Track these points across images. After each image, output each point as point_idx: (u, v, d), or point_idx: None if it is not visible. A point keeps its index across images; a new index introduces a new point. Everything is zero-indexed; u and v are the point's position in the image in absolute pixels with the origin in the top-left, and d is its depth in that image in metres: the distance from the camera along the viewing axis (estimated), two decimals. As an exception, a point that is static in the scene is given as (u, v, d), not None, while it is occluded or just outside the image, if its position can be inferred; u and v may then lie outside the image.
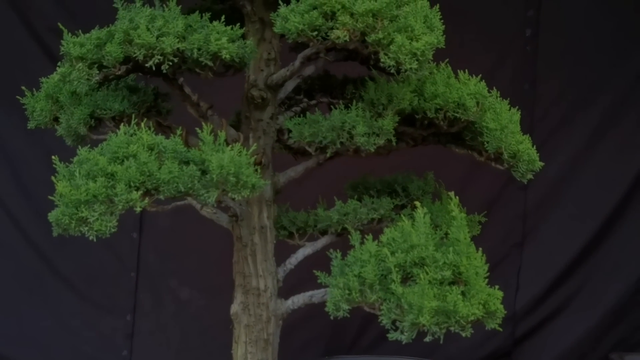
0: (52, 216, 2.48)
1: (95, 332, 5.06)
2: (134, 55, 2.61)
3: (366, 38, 2.58)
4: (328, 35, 2.58)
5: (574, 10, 4.99)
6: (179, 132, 2.65)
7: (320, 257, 3.13)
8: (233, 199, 2.74)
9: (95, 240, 2.47)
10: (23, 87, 2.98)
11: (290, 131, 2.92)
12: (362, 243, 2.69)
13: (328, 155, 2.89)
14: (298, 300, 3.02)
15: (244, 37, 2.78)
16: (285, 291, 3.09)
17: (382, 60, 2.58)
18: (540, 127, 4.91)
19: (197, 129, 2.63)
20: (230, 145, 2.58)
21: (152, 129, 2.63)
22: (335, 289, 2.64)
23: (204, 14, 2.72)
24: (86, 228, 2.45)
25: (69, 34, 2.66)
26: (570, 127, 5.01)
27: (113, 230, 2.46)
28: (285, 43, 3.04)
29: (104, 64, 2.63)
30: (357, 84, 3.10)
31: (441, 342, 2.51)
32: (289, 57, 3.11)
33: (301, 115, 2.96)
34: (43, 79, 2.95)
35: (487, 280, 2.57)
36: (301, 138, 2.83)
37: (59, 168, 2.51)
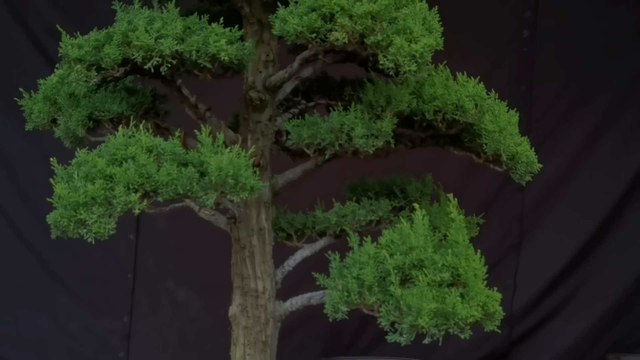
0: (50, 218, 2.47)
1: (92, 333, 5.06)
2: (133, 57, 2.60)
3: (365, 40, 2.58)
4: (327, 37, 2.58)
5: (571, 12, 5.00)
6: (177, 133, 2.65)
7: (318, 259, 3.13)
8: (231, 201, 2.74)
9: (93, 242, 2.47)
10: (21, 89, 2.97)
11: (288, 133, 2.91)
12: (360, 245, 2.69)
13: (326, 157, 2.88)
14: (296, 302, 3.02)
15: (242, 39, 2.77)
16: (282, 292, 3.09)
17: (380, 62, 2.58)
18: (537, 129, 4.91)
19: (195, 131, 2.63)
20: (228, 147, 2.58)
21: (151, 130, 2.62)
22: (334, 291, 2.64)
23: (202, 16, 2.71)
24: (84, 230, 2.44)
25: (67, 35, 2.65)
26: (567, 128, 5.02)
27: (112, 232, 2.45)
28: (283, 45, 3.04)
29: (103, 65, 2.63)
30: (356, 85, 3.10)
31: (440, 344, 2.52)
32: (287, 58, 3.11)
33: (299, 117, 2.95)
34: (41, 81, 2.94)
35: (485, 282, 2.58)
36: (300, 140, 2.83)
37: (57, 170, 2.51)
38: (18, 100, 2.98)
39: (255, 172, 2.63)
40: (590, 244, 5.04)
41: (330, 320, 2.68)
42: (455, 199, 2.69)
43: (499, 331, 2.62)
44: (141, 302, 5.11)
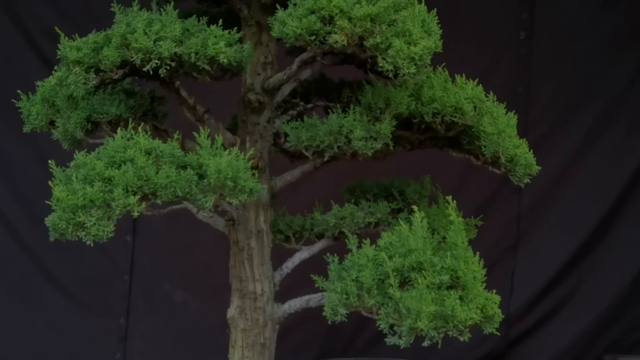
0: (49, 221, 2.47)
1: (89, 335, 5.04)
2: (131, 60, 2.60)
3: (364, 42, 2.58)
4: (326, 40, 2.58)
5: (568, 14, 5.00)
6: (176, 136, 2.64)
7: (315, 261, 3.13)
8: (230, 204, 2.74)
9: (92, 245, 2.46)
10: (19, 91, 2.96)
11: (286, 135, 2.91)
12: (359, 247, 2.69)
13: (325, 159, 2.88)
14: (295, 304, 3.01)
15: (240, 41, 2.77)
16: (280, 294, 3.09)
17: (380, 64, 2.58)
18: (534, 130, 4.91)
19: (194, 133, 2.62)
20: (227, 150, 2.58)
21: (149, 133, 2.62)
22: (333, 293, 2.64)
23: (201, 18, 2.71)
24: (83, 233, 2.44)
25: (66, 37, 2.65)
26: (564, 130, 5.02)
27: (110, 235, 2.45)
28: (281, 46, 3.04)
29: (101, 68, 2.62)
30: (354, 87, 3.10)
31: (439, 346, 2.52)
32: (286, 60, 3.11)
33: (297, 119, 2.95)
34: (38, 83, 2.93)
35: (484, 284, 2.58)
36: (298, 142, 2.83)
37: (56, 172, 2.50)
38: (15, 102, 2.98)
39: (254, 174, 2.63)
40: (587, 246, 5.04)
41: (330, 323, 2.67)
42: (454, 201, 2.69)
43: (498, 334, 2.62)
44: (138, 304, 5.10)
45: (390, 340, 2.54)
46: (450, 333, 2.50)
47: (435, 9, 2.70)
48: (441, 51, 2.63)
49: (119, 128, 2.61)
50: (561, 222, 5.04)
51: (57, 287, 5.03)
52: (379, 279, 2.59)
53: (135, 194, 2.45)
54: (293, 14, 2.59)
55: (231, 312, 3.01)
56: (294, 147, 2.92)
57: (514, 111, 2.95)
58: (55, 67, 2.75)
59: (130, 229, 5.04)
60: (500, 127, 2.85)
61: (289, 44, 2.64)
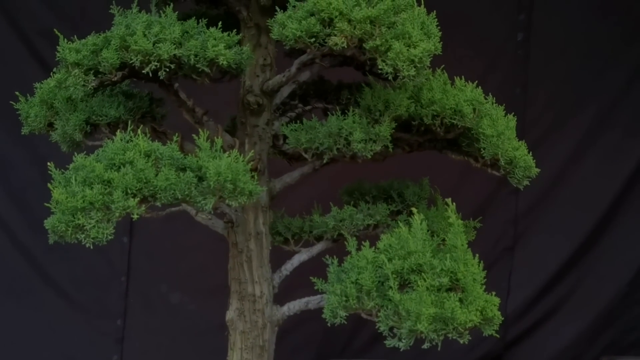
0: (48, 223, 2.46)
1: (86, 336, 5.04)
2: (131, 62, 2.59)
3: (364, 45, 2.57)
4: (325, 42, 2.57)
5: (565, 15, 5.01)
6: (175, 138, 2.64)
7: (312, 263, 3.13)
8: (229, 206, 2.73)
9: (92, 247, 2.46)
10: (17, 93, 2.95)
11: (285, 137, 2.91)
12: (358, 249, 2.69)
13: (325, 161, 2.88)
14: (294, 306, 3.01)
15: (240, 43, 2.77)
16: (277, 295, 3.08)
17: (379, 67, 2.58)
18: (532, 132, 4.91)
19: (194, 135, 2.62)
20: (226, 152, 2.57)
21: (148, 135, 2.61)
22: (333, 295, 2.64)
23: (200, 20, 2.71)
24: (83, 235, 2.44)
25: (65, 39, 2.64)
26: (561, 131, 5.02)
27: (110, 237, 2.44)
28: (280, 48, 3.04)
29: (100, 70, 2.62)
30: (353, 89, 3.10)
31: (439, 349, 2.52)
32: (284, 62, 3.10)
33: (296, 121, 2.95)
34: (37, 85, 2.92)
35: (484, 286, 2.58)
36: (298, 144, 2.83)
37: (55, 175, 2.49)
38: (14, 104, 2.97)
39: (253, 176, 2.62)
40: (584, 247, 5.05)
41: (330, 325, 2.67)
42: (454, 204, 2.68)
43: (498, 336, 2.62)
44: (135, 305, 5.09)
45: (390, 342, 2.54)
46: (450, 335, 2.50)
47: (435, 11, 2.70)
48: (440, 53, 2.63)
49: (118, 130, 2.60)
50: (558, 223, 5.05)
51: (53, 288, 5.02)
52: (379, 281, 2.59)
53: (134, 196, 2.45)
54: (292, 16, 2.59)
55: (230, 314, 3.00)
56: (292, 149, 2.92)
57: (513, 113, 2.95)
58: (55, 69, 2.74)
59: (127, 231, 5.03)
60: (499, 130, 2.85)
61: (288, 46, 2.64)
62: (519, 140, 2.95)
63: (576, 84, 5.01)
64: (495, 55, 5.05)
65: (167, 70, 2.61)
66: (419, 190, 3.17)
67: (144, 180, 2.46)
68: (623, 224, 5.04)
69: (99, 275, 5.08)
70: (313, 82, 3.19)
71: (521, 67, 5.03)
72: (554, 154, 4.99)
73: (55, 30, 2.68)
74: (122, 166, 2.48)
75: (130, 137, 2.55)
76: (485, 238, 4.74)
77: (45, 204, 2.47)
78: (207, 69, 2.64)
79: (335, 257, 2.76)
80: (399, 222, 2.88)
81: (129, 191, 2.45)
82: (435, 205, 3.16)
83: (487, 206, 5.02)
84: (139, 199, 2.46)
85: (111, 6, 2.74)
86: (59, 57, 2.62)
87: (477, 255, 2.61)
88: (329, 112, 3.05)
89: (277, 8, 2.68)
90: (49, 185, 2.46)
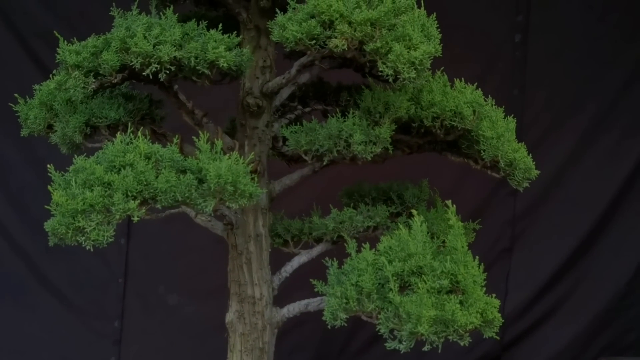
0: (48, 225, 2.45)
1: (83, 338, 5.03)
2: (131, 64, 2.59)
3: (364, 47, 2.57)
4: (326, 44, 2.57)
5: (563, 16, 5.01)
6: (175, 140, 2.63)
7: (310, 265, 3.13)
8: (229, 208, 2.73)
9: (92, 250, 2.45)
10: (16, 95, 2.95)
11: (285, 139, 2.91)
12: (358, 251, 2.69)
13: (325, 163, 2.87)
14: (294, 308, 3.01)
15: (239, 45, 2.76)
16: (276, 297, 3.08)
17: (380, 69, 2.58)
18: (530, 133, 4.92)
19: (194, 137, 2.61)
20: (227, 154, 2.57)
21: (148, 137, 2.61)
22: (333, 297, 2.64)
23: (200, 22, 2.70)
24: (83, 238, 2.43)
25: (65, 41, 2.63)
26: (559, 132, 5.03)
27: (110, 240, 2.44)
28: (279, 50, 3.03)
29: (100, 72, 2.61)
30: (352, 91, 3.10)
31: (439, 351, 2.52)
32: (283, 63, 3.10)
33: (295, 122, 2.95)
34: (36, 86, 2.92)
35: (484, 288, 2.58)
36: (298, 146, 2.83)
37: (55, 177, 2.49)
38: (13, 105, 2.96)
39: (253, 178, 2.62)
40: (582, 248, 5.05)
41: (330, 327, 2.67)
42: (454, 206, 2.68)
43: (498, 338, 2.62)
44: (132, 307, 5.08)
45: (390, 345, 2.53)
46: (450, 338, 2.50)
47: (435, 13, 2.70)
48: (441, 55, 2.63)
49: (118, 132, 2.60)
50: (556, 225, 5.05)
51: (51, 290, 5.01)
52: (379, 284, 2.59)
53: (135, 198, 2.45)
54: (293, 18, 2.59)
55: (230, 316, 3.00)
56: (292, 151, 2.92)
57: (512, 115, 2.96)
58: (54, 71, 2.74)
59: (125, 232, 5.02)
60: (499, 131, 2.85)
61: (288, 48, 2.64)
62: (520, 143, 2.95)
63: (574, 86, 5.02)
64: (493, 56, 5.05)
65: (168, 72, 2.61)
66: (418, 192, 3.17)
67: (145, 183, 2.46)
68: (621, 225, 5.04)
69: (97, 277, 5.07)
70: (312, 84, 3.19)
71: (519, 69, 5.02)
72: (552, 155, 4.99)
73: (55, 32, 2.67)
74: (122, 168, 2.48)
75: (131, 139, 2.54)
76: (483, 239, 4.73)
77: (46, 207, 2.46)
78: (207, 71, 2.64)
79: (335, 259, 2.76)
80: (398, 224, 2.87)
81: (130, 193, 2.44)
82: (434, 207, 3.16)
83: (485, 207, 5.02)
84: (139, 201, 2.46)
85: (111, 8, 2.73)
86: (59, 59, 2.61)
87: (477, 257, 2.61)
88: (328, 114, 3.05)
89: (277, 10, 2.68)
90: (49, 187, 2.45)
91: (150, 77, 2.62)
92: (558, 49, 5.01)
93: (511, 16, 5.03)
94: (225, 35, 2.66)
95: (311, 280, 2.74)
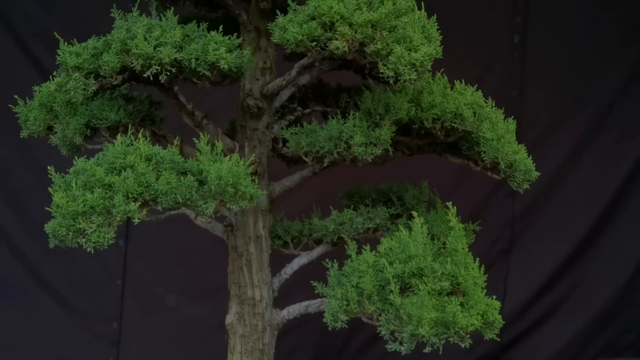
0: (48, 227, 2.45)
1: (82, 339, 5.02)
2: (131, 65, 2.59)
3: (365, 49, 2.57)
4: (327, 46, 2.57)
5: (562, 17, 5.01)
6: (175, 142, 2.63)
7: (312, 266, 3.12)
8: (229, 210, 2.73)
9: (92, 252, 2.45)
10: (16, 96, 2.94)
11: (285, 140, 2.91)
12: (359, 253, 2.68)
13: (325, 164, 2.87)
14: (294, 310, 3.01)
15: (239, 46, 2.76)
16: (276, 298, 3.08)
17: (381, 70, 2.58)
18: (528, 134, 4.92)
19: (194, 139, 2.61)
20: (228, 156, 2.57)
21: (148, 138, 2.61)
22: (333, 299, 2.64)
23: (201, 24, 2.70)
24: (84, 240, 2.43)
25: (65, 43, 2.63)
26: (558, 133, 5.03)
27: (111, 242, 2.44)
28: (279, 51, 3.03)
29: (101, 73, 2.61)
30: (351, 92, 3.10)
31: (440, 353, 2.52)
32: (283, 65, 3.10)
33: (295, 124, 2.95)
34: (36, 88, 2.91)
35: (484, 290, 2.58)
36: (298, 148, 2.82)
37: (55, 179, 2.49)
38: (13, 107, 2.95)
39: (253, 180, 2.62)
40: (580, 249, 5.05)
41: (330, 328, 2.67)
42: (455, 207, 2.68)
43: (499, 339, 2.62)
44: (130, 308, 5.08)
45: (391, 346, 2.53)
46: (451, 339, 2.50)
47: (435, 14, 2.70)
48: (441, 57, 2.63)
49: (119, 134, 2.59)
50: (554, 226, 5.05)
51: (49, 291, 5.01)
52: (380, 285, 2.59)
53: (135, 200, 2.44)
54: (294, 20, 2.58)
55: (230, 318, 3.00)
56: (292, 152, 2.92)
57: (513, 117, 2.96)
58: (55, 73, 2.73)
59: (123, 233, 5.01)
60: (499, 133, 2.85)
61: (289, 50, 2.63)
62: (521, 145, 2.95)
63: (572, 87, 5.02)
64: (491, 57, 5.05)
65: (168, 74, 2.61)
66: (418, 193, 3.17)
67: (145, 184, 2.46)
68: (619, 226, 5.05)
69: (95, 278, 5.06)
70: (312, 85, 3.19)
71: (518, 70, 5.03)
72: (551, 157, 4.99)
73: (55, 34, 2.67)
74: (122, 170, 2.47)
75: (131, 140, 2.54)
76: (481, 240, 4.73)
77: (46, 208, 2.45)
78: (208, 73, 2.64)
79: (335, 260, 2.76)
80: (399, 225, 2.88)
81: (130, 195, 2.44)
82: (434, 208, 3.16)
83: (484, 208, 5.02)
84: (140, 203, 2.45)
85: (112, 10, 2.73)
86: (59, 60, 2.61)
87: (478, 259, 2.61)
88: (328, 115, 3.05)
89: (277, 12, 2.68)
90: (49, 189, 2.45)
91: (151, 78, 2.62)
92: (556, 50, 5.02)
93: (510, 17, 5.03)
94: (226, 37, 2.66)
95: (311, 281, 2.74)
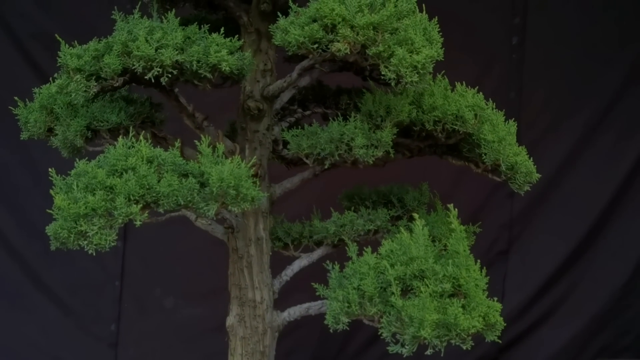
0: (50, 230, 2.45)
1: (80, 341, 5.01)
2: (133, 67, 2.58)
3: (367, 51, 2.57)
4: (328, 48, 2.57)
5: (560, 19, 5.02)
6: (177, 144, 2.63)
7: (312, 268, 3.12)
8: (230, 212, 2.72)
9: (94, 254, 2.44)
10: (16, 98, 2.93)
11: (285, 142, 2.90)
12: (360, 255, 2.68)
13: (326, 166, 2.87)
14: (294, 312, 3.01)
15: (241, 48, 2.76)
16: (276, 300, 3.07)
17: (382, 73, 2.58)
18: (527, 136, 4.92)
19: (195, 141, 2.61)
20: (228, 158, 2.56)
21: (149, 140, 2.60)
22: (335, 301, 2.64)
23: (202, 25, 2.70)
24: (85, 242, 2.42)
25: (66, 45, 2.62)
26: (556, 134, 5.03)
27: (113, 244, 2.43)
28: (279, 53, 3.03)
29: (102, 75, 2.60)
30: (352, 94, 3.10)
31: (442, 355, 2.52)
32: (282, 67, 3.10)
33: (295, 125, 2.94)
34: (36, 90, 2.91)
35: (486, 292, 2.58)
36: (299, 150, 2.82)
37: (56, 181, 2.48)
38: (12, 109, 2.95)
39: (254, 182, 2.62)
40: (579, 251, 5.06)
41: (331, 330, 2.67)
42: (456, 210, 2.68)
43: (500, 341, 2.62)
44: (129, 310, 5.07)
45: (392, 348, 2.53)
46: (453, 341, 2.50)
47: (437, 17, 2.70)
48: (443, 59, 2.63)
49: (120, 136, 2.59)
50: (553, 227, 5.06)
51: (47, 293, 5.00)
52: (381, 287, 2.59)
53: (137, 202, 2.44)
54: (295, 22, 2.58)
55: (230, 320, 2.99)
56: (292, 154, 2.92)
57: (513, 118, 2.96)
58: (55, 74, 2.73)
59: (121, 235, 5.00)
60: (500, 135, 2.85)
61: (291, 52, 2.63)
62: (522, 146, 2.96)
63: (571, 87, 5.02)
64: (490, 58, 5.05)
65: (170, 76, 2.60)
66: (418, 195, 3.17)
67: (147, 187, 2.46)
68: (617, 227, 5.05)
69: (93, 280, 5.05)
70: (312, 87, 3.19)
71: (516, 71, 5.03)
72: (549, 158, 4.99)
73: (56, 35, 2.66)
74: (124, 172, 2.47)
75: (132, 142, 2.54)
76: (480, 241, 4.73)
77: (48, 210, 2.45)
78: (209, 75, 2.63)
79: (335, 262, 2.75)
80: (399, 227, 2.87)
81: (132, 197, 2.44)
82: (434, 210, 3.16)
83: (482, 210, 5.03)
84: (141, 205, 2.45)
85: (113, 12, 2.72)
86: (60, 62, 2.60)
87: (479, 261, 2.62)
88: (328, 117, 3.04)
89: (278, 13, 2.67)
90: (50, 191, 2.44)
91: (152, 80, 2.61)
92: (555, 51, 5.02)
93: (508, 19, 5.03)
94: (227, 39, 2.66)
95: (312, 283, 2.74)
